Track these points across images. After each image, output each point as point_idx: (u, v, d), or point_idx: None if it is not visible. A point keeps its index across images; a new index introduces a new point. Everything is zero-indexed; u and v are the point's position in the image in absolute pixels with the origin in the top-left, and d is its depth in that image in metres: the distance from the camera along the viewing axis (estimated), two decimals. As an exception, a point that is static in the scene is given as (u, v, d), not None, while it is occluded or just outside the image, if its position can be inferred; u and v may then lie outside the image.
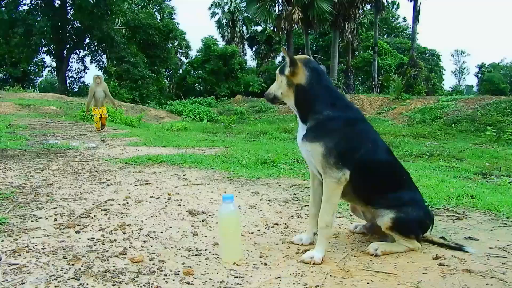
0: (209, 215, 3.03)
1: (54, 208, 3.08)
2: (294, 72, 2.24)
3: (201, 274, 1.99)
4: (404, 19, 49.15)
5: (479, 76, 53.65)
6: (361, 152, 2.22)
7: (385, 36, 46.70)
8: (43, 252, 2.17)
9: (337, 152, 2.14)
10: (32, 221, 2.74)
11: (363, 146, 2.24)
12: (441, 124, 14.80)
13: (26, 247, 2.24)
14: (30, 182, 4.02)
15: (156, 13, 35.41)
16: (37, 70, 34.29)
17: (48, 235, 2.46)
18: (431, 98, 19.02)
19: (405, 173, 2.41)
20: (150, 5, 34.98)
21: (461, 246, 2.33)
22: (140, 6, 34.28)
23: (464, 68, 67.91)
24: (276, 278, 1.96)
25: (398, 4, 45.43)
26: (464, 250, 2.30)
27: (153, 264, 2.08)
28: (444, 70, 50.29)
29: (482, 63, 55.52)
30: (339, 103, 2.26)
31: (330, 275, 2.00)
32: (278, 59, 41.45)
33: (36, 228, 2.58)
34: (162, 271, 2.01)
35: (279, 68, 2.35)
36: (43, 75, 41.76)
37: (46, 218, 2.81)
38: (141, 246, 2.33)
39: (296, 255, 2.25)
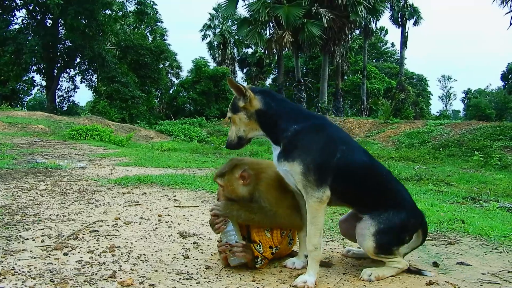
0: (201, 238, 2.99)
1: (42, 229, 3.02)
2: (249, 99, 2.22)
3: (193, 299, 1.95)
4: (393, 44, 50.27)
5: (465, 102, 54.61)
6: (337, 156, 2.16)
7: (374, 60, 47.58)
8: (30, 275, 2.11)
9: (315, 166, 2.11)
10: (18, 242, 2.67)
11: (338, 150, 2.17)
12: (429, 148, 14.94)
13: (12, 269, 2.17)
14: (17, 202, 3.95)
15: (148, 34, 35.64)
16: (26, 88, 34.02)
17: (34, 257, 2.39)
18: (419, 122, 19.26)
19: (386, 173, 2.39)
20: (142, 26, 35.24)
21: (421, 271, 2.33)
22: (132, 27, 34.50)
23: (451, 93, 69.16)
24: (269, 304, 1.92)
25: (387, 30, 46.52)
26: (423, 274, 2.30)
27: (143, 288, 2.03)
28: (432, 95, 51.18)
29: (469, 88, 56.64)
30: (301, 114, 2.25)
31: (324, 301, 1.97)
32: (269, 81, 41.90)
33: (22, 250, 2.51)
34: (152, 295, 1.96)
35: (229, 111, 2.31)
36: (32, 94, 41.51)
37: (33, 240, 2.74)
38: (131, 269, 2.28)
39: (289, 279, 2.21)
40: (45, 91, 30.83)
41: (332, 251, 2.78)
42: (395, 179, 2.45)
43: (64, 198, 4.26)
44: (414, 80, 46.74)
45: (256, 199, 2.34)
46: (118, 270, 2.25)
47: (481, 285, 2.20)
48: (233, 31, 38.09)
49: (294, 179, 2.17)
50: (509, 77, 46.92)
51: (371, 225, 2.22)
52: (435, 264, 2.50)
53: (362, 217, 2.29)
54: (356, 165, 2.24)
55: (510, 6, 17.41)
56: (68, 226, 3.15)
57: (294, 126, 2.18)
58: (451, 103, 70.09)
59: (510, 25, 17.17)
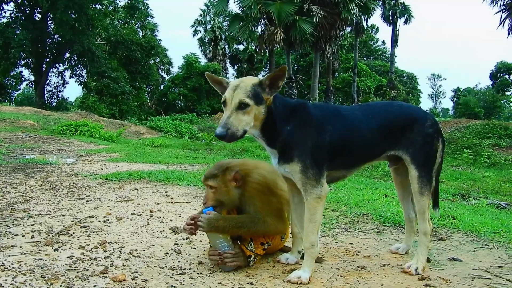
0: (193, 234, 2.97)
1: (31, 224, 2.98)
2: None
3: (186, 294, 1.94)
4: (383, 42, 50.46)
5: (454, 100, 55.04)
6: (327, 140, 2.15)
7: (365, 58, 47.76)
8: (20, 271, 2.08)
9: (311, 160, 2.10)
10: (8, 238, 2.63)
11: (326, 133, 2.16)
12: (419, 145, 15.03)
13: (1, 265, 2.14)
14: (6, 197, 3.89)
15: (139, 29, 35.38)
16: (14, 83, 33.55)
17: (25, 253, 2.36)
18: (409, 120, 19.35)
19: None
20: (133, 21, 34.93)
21: None
22: (122, 22, 34.18)
23: (440, 91, 69.75)
24: (263, 299, 1.92)
25: (378, 28, 46.66)
26: None
27: (136, 283, 2.02)
28: (421, 93, 51.56)
29: (458, 87, 57.07)
30: (289, 112, 2.17)
31: (318, 296, 1.97)
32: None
33: (12, 246, 2.48)
34: (145, 291, 1.94)
35: (248, 98, 2.01)
36: (20, 89, 40.96)
37: (23, 235, 2.70)
38: (123, 265, 2.26)
39: (282, 275, 2.21)
40: (33, 86, 30.40)
41: (325, 247, 2.78)
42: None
43: (54, 193, 4.21)
44: (404, 78, 47.04)
45: (242, 202, 2.30)
46: (110, 266, 2.23)
47: (472, 280, 2.22)
48: (224, 27, 37.95)
49: (294, 178, 2.16)
50: (498, 76, 47.41)
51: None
52: (427, 260, 2.51)
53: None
54: (345, 136, 2.23)
55: (500, 6, 17.57)
56: (58, 221, 3.11)
57: (287, 127, 2.14)
58: (440, 101, 70.75)
59: (500, 24, 17.35)
